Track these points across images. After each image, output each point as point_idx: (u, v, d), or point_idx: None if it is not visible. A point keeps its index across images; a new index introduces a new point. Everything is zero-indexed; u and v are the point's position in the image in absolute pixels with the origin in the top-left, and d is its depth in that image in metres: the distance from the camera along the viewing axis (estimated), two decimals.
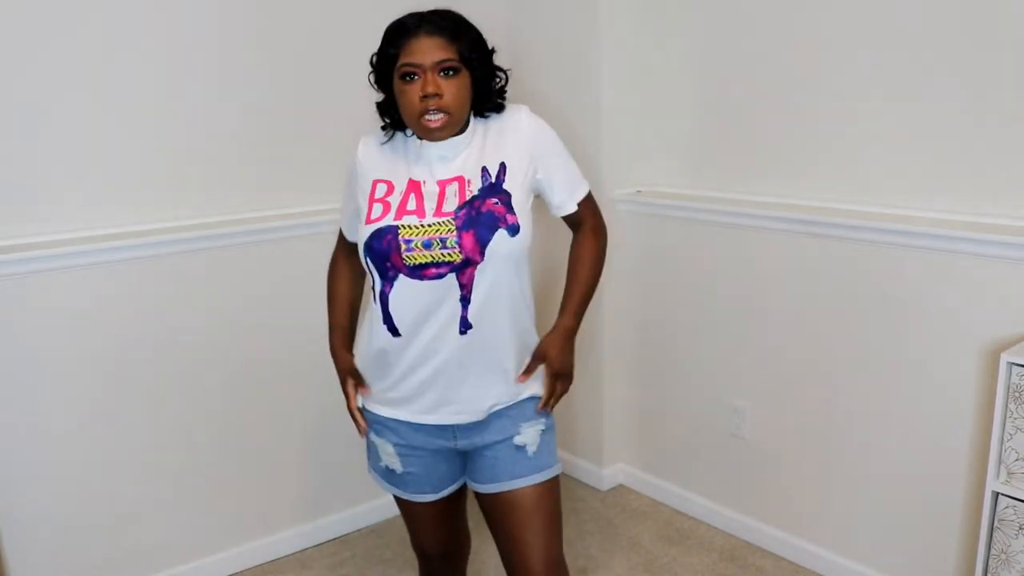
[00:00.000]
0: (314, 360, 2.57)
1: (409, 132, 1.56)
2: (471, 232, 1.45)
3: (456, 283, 1.46)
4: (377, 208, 1.50)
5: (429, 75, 1.43)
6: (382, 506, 2.79)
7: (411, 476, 1.64)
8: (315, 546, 2.67)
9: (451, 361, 1.51)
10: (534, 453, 1.62)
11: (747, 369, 2.55)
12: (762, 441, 2.55)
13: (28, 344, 2.10)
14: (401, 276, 1.47)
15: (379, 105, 1.58)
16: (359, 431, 1.67)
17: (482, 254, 1.46)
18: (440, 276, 1.46)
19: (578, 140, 2.76)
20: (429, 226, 1.45)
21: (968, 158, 2.04)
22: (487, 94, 1.54)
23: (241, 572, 2.53)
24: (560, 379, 1.64)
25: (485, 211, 1.47)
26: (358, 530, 2.75)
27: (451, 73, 1.45)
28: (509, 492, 1.59)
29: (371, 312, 1.55)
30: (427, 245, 1.45)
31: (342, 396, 2.66)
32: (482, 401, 1.56)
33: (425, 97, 1.43)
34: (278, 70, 2.43)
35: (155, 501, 2.36)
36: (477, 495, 1.66)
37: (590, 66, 2.67)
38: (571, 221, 1.67)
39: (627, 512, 2.84)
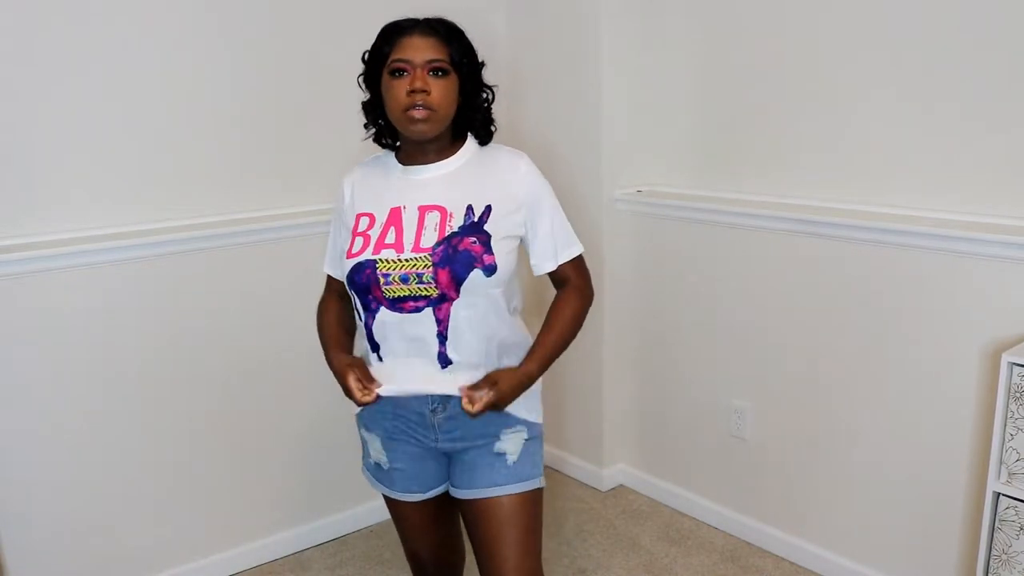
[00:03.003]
0: (314, 360, 2.56)
1: (391, 154, 1.58)
2: (447, 269, 1.45)
3: (433, 317, 1.48)
4: (358, 242, 1.52)
5: (419, 72, 1.45)
6: (381, 507, 2.76)
7: (398, 472, 1.64)
8: (314, 546, 2.66)
9: (440, 386, 1.53)
10: (514, 463, 1.59)
11: (747, 369, 2.55)
12: (762, 441, 2.55)
13: (27, 344, 2.10)
14: (382, 308, 1.50)
15: (365, 105, 1.59)
16: (368, 397, 1.54)
17: (457, 291, 1.47)
18: (418, 309, 1.48)
19: (578, 140, 2.77)
20: (406, 260, 1.47)
21: (968, 158, 2.04)
22: (472, 108, 1.54)
23: (241, 572, 2.53)
24: (494, 405, 1.50)
25: (462, 249, 1.46)
26: (357, 530, 2.75)
27: (440, 74, 1.46)
28: (485, 500, 1.57)
29: (361, 342, 1.61)
30: (404, 279, 1.47)
31: (341, 396, 2.66)
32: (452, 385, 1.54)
33: (412, 92, 1.43)
34: (280, 71, 2.43)
35: (154, 501, 2.36)
36: (458, 501, 1.65)
37: (591, 66, 2.67)
38: (555, 279, 1.63)
39: (627, 512, 2.84)
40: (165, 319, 2.29)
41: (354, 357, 1.61)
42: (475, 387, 1.49)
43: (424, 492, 1.66)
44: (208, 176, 2.36)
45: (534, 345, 1.58)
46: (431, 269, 1.45)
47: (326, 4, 2.48)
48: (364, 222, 1.53)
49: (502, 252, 1.49)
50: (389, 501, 1.71)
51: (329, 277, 1.72)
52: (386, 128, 1.58)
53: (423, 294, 1.46)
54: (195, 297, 2.33)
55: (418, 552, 1.78)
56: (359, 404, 1.52)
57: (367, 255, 1.49)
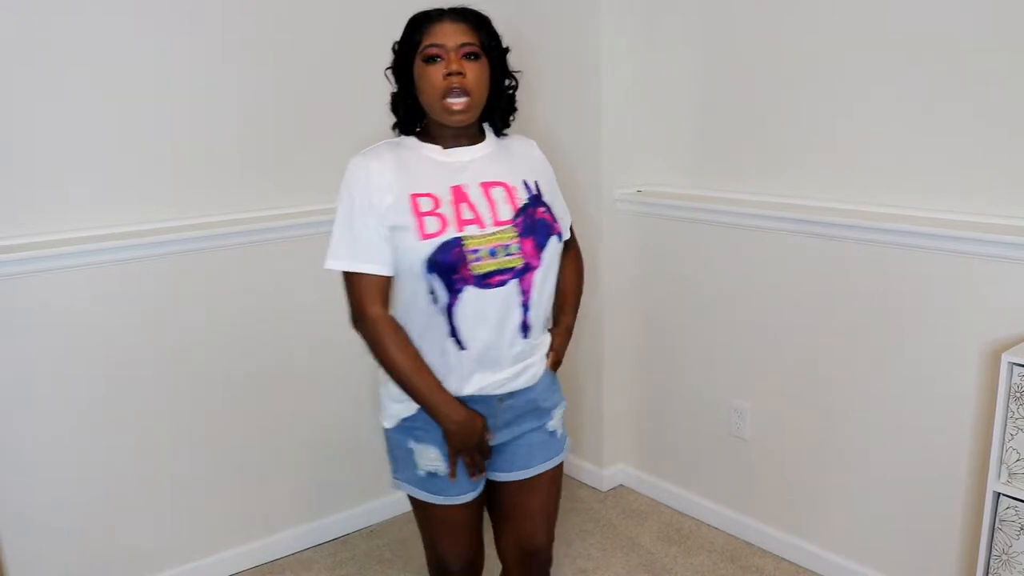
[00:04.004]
0: (315, 360, 2.57)
1: (409, 144, 1.57)
2: (530, 238, 1.52)
3: (518, 289, 1.51)
4: (432, 221, 1.47)
5: (453, 55, 1.47)
6: (381, 507, 2.79)
7: (456, 477, 1.61)
8: (315, 546, 2.66)
9: (512, 357, 1.56)
10: (561, 435, 1.73)
11: (747, 369, 2.55)
12: (762, 441, 2.55)
13: (28, 344, 2.10)
14: (469, 287, 1.47)
15: (394, 96, 1.58)
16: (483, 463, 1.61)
17: (539, 258, 1.53)
18: (503, 283, 1.50)
19: (578, 140, 2.77)
20: (492, 234, 1.49)
21: (968, 158, 2.04)
22: (499, 93, 1.58)
23: (241, 572, 2.53)
24: (562, 356, 1.72)
25: (539, 219, 1.55)
26: (358, 530, 2.75)
27: (473, 58, 1.49)
28: (536, 475, 1.68)
29: (423, 336, 1.53)
30: (492, 253, 1.48)
31: (341, 396, 2.65)
32: (529, 375, 1.62)
33: (449, 75, 1.45)
34: (281, 71, 2.43)
35: (155, 501, 2.36)
36: (496, 485, 1.69)
37: (591, 66, 2.67)
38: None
39: (627, 512, 2.84)
40: (165, 319, 2.29)
41: (475, 413, 1.56)
42: (553, 366, 1.67)
43: (475, 490, 1.65)
44: (208, 176, 2.36)
45: (563, 303, 1.71)
46: (517, 240, 1.50)
47: (326, 4, 2.48)
48: (426, 203, 1.48)
49: (561, 221, 1.62)
50: (435, 510, 1.64)
51: (365, 281, 1.51)
52: (413, 116, 1.57)
53: (509, 266, 1.49)
54: (195, 297, 2.33)
55: (458, 554, 1.70)
56: (479, 464, 1.59)
57: (451, 233, 1.46)
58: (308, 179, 2.53)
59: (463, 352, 1.52)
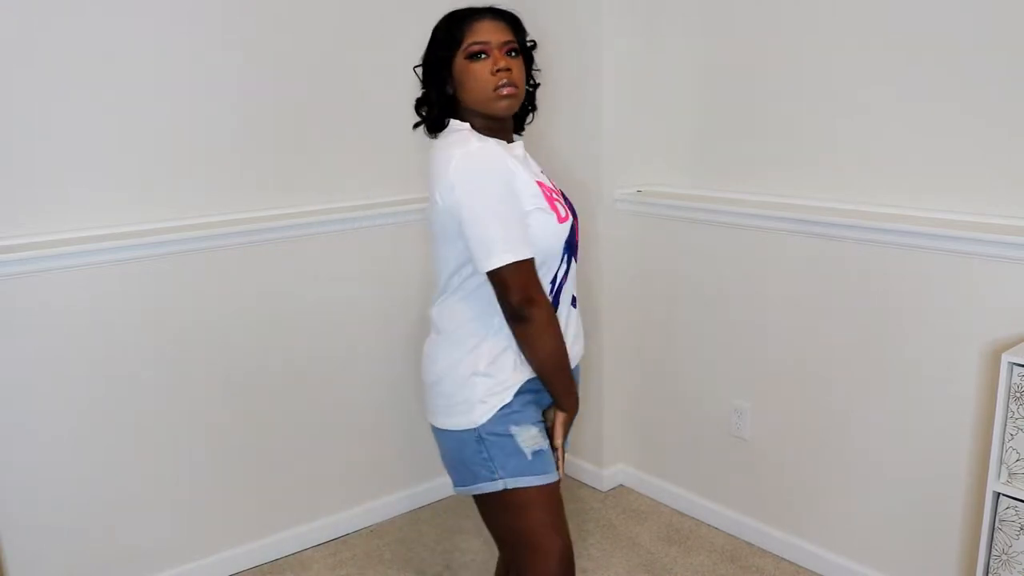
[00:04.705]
0: (315, 360, 2.57)
1: (483, 136, 1.57)
2: (578, 229, 1.66)
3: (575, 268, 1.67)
4: (559, 206, 1.58)
5: (497, 52, 1.52)
6: (381, 507, 2.79)
7: (548, 452, 1.59)
8: (315, 546, 2.66)
9: (571, 327, 1.65)
10: None
11: (747, 369, 2.55)
12: (762, 441, 2.55)
13: (28, 344, 2.10)
14: (573, 261, 1.64)
15: (426, 97, 1.60)
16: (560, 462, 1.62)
17: (578, 244, 1.67)
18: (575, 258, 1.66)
19: (578, 140, 2.77)
20: (567, 219, 1.60)
21: (968, 158, 2.04)
22: (531, 89, 1.66)
23: (241, 572, 2.53)
24: None
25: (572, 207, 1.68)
26: (358, 530, 2.75)
27: (514, 54, 1.55)
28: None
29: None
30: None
31: (340, 396, 2.66)
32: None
33: (498, 71, 1.50)
34: (281, 71, 2.43)
35: (155, 501, 2.35)
36: None
37: (591, 66, 2.67)
38: None
39: (627, 512, 2.84)
40: (165, 319, 2.29)
41: None
42: None
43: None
44: (208, 176, 2.36)
45: None
46: (575, 223, 1.64)
47: (326, 4, 2.48)
48: (539, 189, 1.55)
49: None
50: (544, 493, 1.56)
51: (526, 266, 1.48)
52: (444, 114, 1.58)
53: (576, 243, 1.65)
54: (195, 297, 2.33)
55: (567, 546, 1.59)
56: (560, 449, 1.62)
57: (568, 217, 1.60)
58: (308, 179, 2.53)
59: (572, 310, 1.66)
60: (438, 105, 1.58)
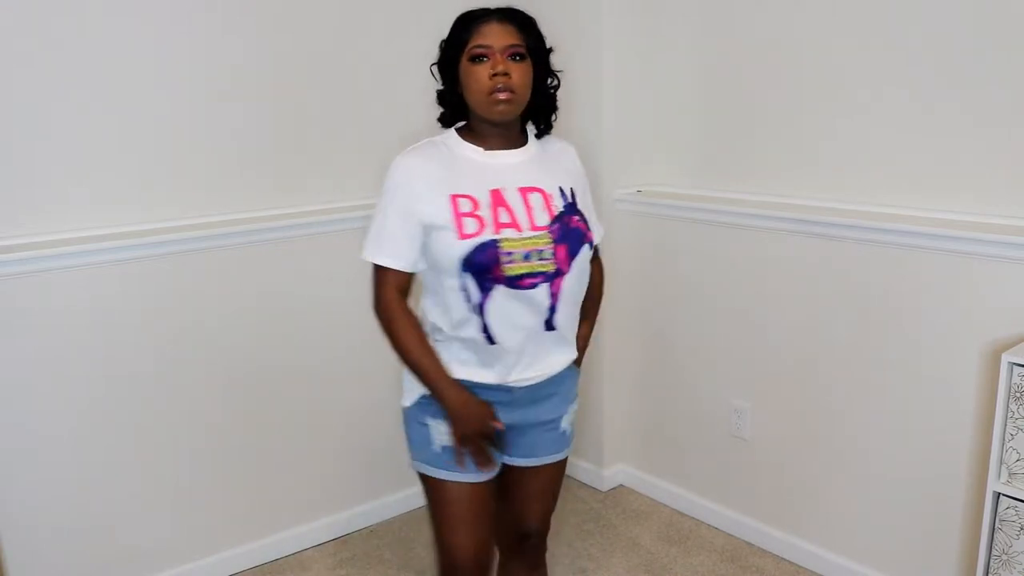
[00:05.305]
0: (315, 361, 2.57)
1: (450, 138, 1.61)
2: (564, 245, 1.56)
3: (547, 292, 1.56)
4: (470, 223, 1.52)
5: (499, 56, 1.51)
6: (381, 507, 2.79)
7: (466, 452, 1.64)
8: (315, 546, 2.66)
9: (539, 351, 1.62)
10: (570, 433, 1.77)
11: (747, 369, 2.55)
12: (762, 441, 2.55)
13: (29, 344, 2.10)
14: (498, 287, 1.53)
15: (440, 94, 1.64)
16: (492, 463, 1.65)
17: (570, 265, 1.57)
18: (534, 286, 1.54)
19: (578, 140, 2.76)
20: (528, 238, 1.53)
21: (968, 158, 2.04)
22: (543, 92, 1.64)
23: (241, 572, 2.53)
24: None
25: (573, 227, 1.59)
26: (357, 531, 2.75)
27: (518, 58, 1.54)
28: (541, 465, 1.74)
29: (458, 328, 1.57)
30: (526, 257, 1.53)
31: (340, 395, 2.65)
32: (552, 368, 1.66)
33: (495, 75, 1.50)
34: (281, 71, 2.42)
35: (155, 501, 2.35)
36: (507, 469, 1.74)
37: (591, 66, 2.67)
38: None
39: (627, 512, 2.84)
40: (165, 319, 2.29)
41: (476, 396, 1.61)
42: (579, 363, 1.74)
43: (490, 472, 1.67)
44: (208, 176, 2.36)
45: (585, 310, 1.74)
46: (551, 246, 1.54)
47: (327, 4, 2.48)
48: (465, 204, 1.53)
49: (595, 230, 1.67)
50: (447, 490, 1.64)
51: (385, 272, 1.59)
52: (456, 113, 1.63)
53: (541, 270, 1.54)
54: (195, 297, 2.33)
55: (466, 547, 1.66)
56: (484, 452, 1.62)
57: (488, 235, 1.51)
58: (308, 179, 2.53)
59: (493, 347, 1.57)
60: (450, 104, 1.62)
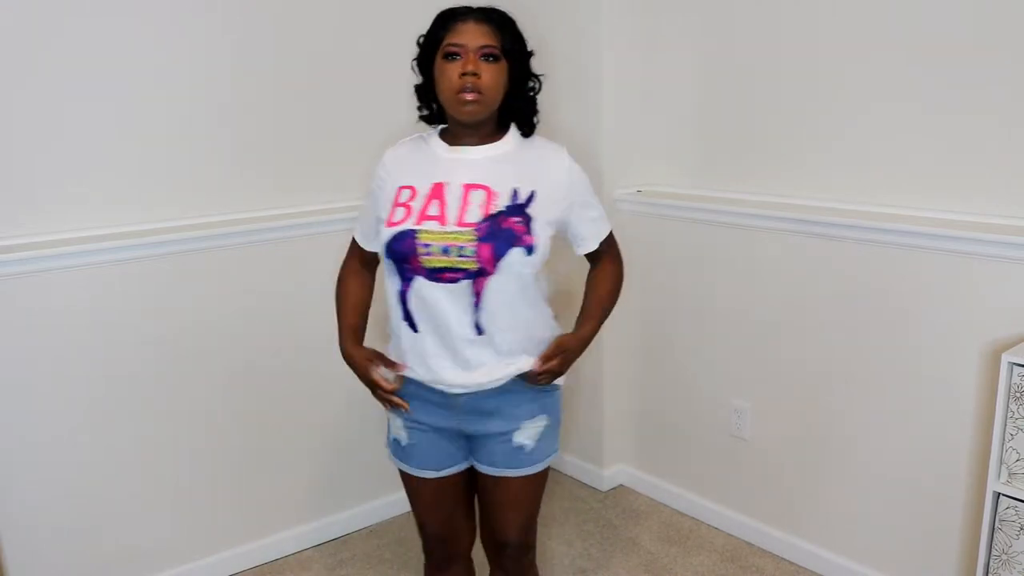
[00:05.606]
0: (315, 361, 2.57)
1: (433, 134, 1.64)
2: (490, 244, 1.52)
3: (470, 290, 1.54)
4: (399, 212, 1.56)
5: (471, 56, 1.51)
6: (381, 507, 2.79)
7: (415, 449, 1.71)
8: (315, 546, 2.66)
9: (470, 357, 1.59)
10: (531, 451, 1.68)
11: (747, 369, 2.55)
12: (762, 441, 2.55)
13: (28, 344, 2.10)
14: (419, 278, 1.55)
15: (418, 88, 1.65)
16: (401, 406, 1.68)
17: (495, 266, 1.52)
18: (455, 280, 1.53)
19: (578, 140, 2.77)
20: (449, 233, 1.52)
21: (968, 158, 2.04)
22: (519, 95, 1.61)
23: (241, 572, 2.53)
24: (558, 367, 1.65)
25: (506, 227, 1.53)
26: (357, 531, 2.75)
27: (491, 59, 1.53)
28: (502, 477, 1.69)
29: (392, 314, 1.63)
30: (444, 251, 1.52)
31: (341, 395, 2.66)
32: (488, 378, 1.62)
33: (464, 75, 1.50)
34: (281, 71, 2.42)
35: (155, 501, 2.36)
36: (476, 472, 1.74)
37: (591, 66, 2.67)
38: (593, 255, 1.76)
39: (627, 512, 2.84)
40: (165, 319, 2.29)
41: (372, 350, 1.70)
42: (546, 357, 1.62)
43: (437, 471, 1.72)
44: (208, 176, 2.36)
45: (584, 310, 1.73)
46: (474, 243, 1.51)
47: (327, 4, 2.48)
48: (405, 194, 1.58)
49: (543, 236, 1.57)
50: (404, 475, 1.77)
51: (355, 242, 1.78)
52: (437, 110, 1.64)
53: (462, 267, 1.52)
54: (195, 297, 2.33)
55: (426, 526, 1.82)
56: (385, 398, 1.66)
57: (408, 225, 1.54)
58: (308, 179, 2.53)
59: (416, 335, 1.60)
60: (425, 100, 1.65)
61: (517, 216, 1.55)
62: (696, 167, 2.69)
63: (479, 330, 1.56)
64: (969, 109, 2.02)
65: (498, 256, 1.52)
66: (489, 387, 1.61)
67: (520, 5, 2.89)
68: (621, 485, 3.01)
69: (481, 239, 1.51)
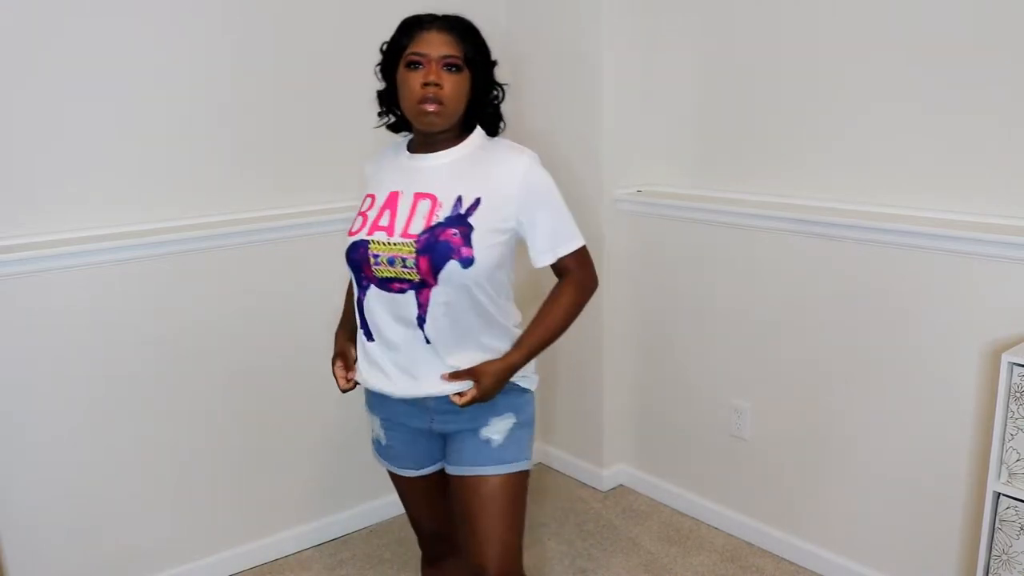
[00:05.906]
0: (315, 361, 2.56)
1: (404, 142, 1.66)
2: (427, 257, 1.50)
3: (415, 301, 1.54)
4: (358, 221, 1.60)
5: (433, 66, 1.51)
6: (381, 507, 2.79)
7: (393, 449, 1.75)
8: (315, 546, 2.66)
9: (420, 367, 1.59)
10: (499, 446, 1.65)
11: (747, 369, 2.55)
12: (762, 441, 2.55)
13: (28, 344, 2.10)
14: (372, 286, 1.57)
15: (380, 94, 1.66)
16: (347, 386, 1.73)
17: (435, 279, 1.51)
18: (403, 291, 1.54)
19: (578, 140, 2.77)
20: (394, 244, 1.53)
21: (968, 158, 2.04)
22: (483, 103, 1.60)
23: (241, 572, 2.53)
24: (479, 395, 1.57)
25: (442, 240, 1.50)
26: (357, 530, 2.75)
27: (454, 69, 1.52)
28: (470, 477, 1.64)
29: (356, 319, 1.66)
30: (390, 262, 1.53)
31: (341, 395, 2.67)
32: (439, 388, 1.59)
33: (426, 85, 1.50)
34: (281, 71, 2.42)
35: (155, 501, 2.36)
36: (449, 476, 1.71)
37: (591, 66, 2.67)
38: (556, 271, 1.64)
39: (627, 512, 2.84)
40: (165, 319, 2.29)
41: (342, 347, 1.74)
42: (456, 376, 1.57)
43: (417, 470, 1.76)
44: (208, 176, 2.36)
45: (522, 335, 1.64)
46: (413, 255, 1.51)
47: (327, 4, 2.48)
48: (367, 203, 1.62)
49: (484, 245, 1.51)
50: (390, 473, 1.82)
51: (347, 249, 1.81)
52: (401, 117, 1.65)
53: (407, 277, 1.52)
54: (195, 297, 2.33)
55: (417, 519, 1.88)
56: (341, 390, 1.71)
57: (362, 235, 1.57)
58: (308, 179, 2.53)
59: (370, 344, 1.62)
60: (387, 106, 1.65)
61: (455, 227, 1.50)
62: (696, 167, 2.69)
63: (426, 340, 1.55)
64: (969, 109, 2.02)
65: (436, 269, 1.50)
66: (437, 396, 1.59)
67: (521, 5, 2.90)
68: (621, 485, 3.01)
69: (419, 251, 1.50)
